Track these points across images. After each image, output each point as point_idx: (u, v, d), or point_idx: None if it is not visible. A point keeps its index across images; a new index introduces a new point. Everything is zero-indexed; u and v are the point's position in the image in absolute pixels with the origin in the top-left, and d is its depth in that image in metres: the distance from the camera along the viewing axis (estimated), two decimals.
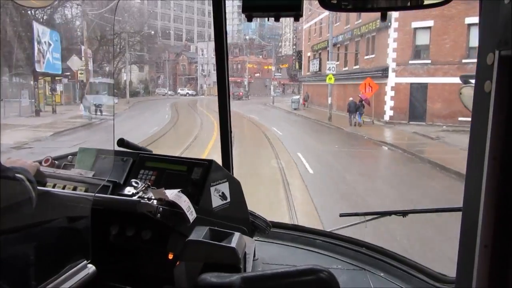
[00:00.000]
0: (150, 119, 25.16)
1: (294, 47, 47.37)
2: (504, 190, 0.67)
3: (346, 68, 29.81)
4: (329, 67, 24.67)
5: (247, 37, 66.21)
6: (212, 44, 64.70)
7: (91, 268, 1.33)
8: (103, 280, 1.41)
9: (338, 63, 29.39)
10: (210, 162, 1.68)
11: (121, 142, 1.85)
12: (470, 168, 0.72)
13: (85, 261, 1.32)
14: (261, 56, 65.22)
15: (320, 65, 35.18)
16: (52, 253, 1.26)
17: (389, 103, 22.93)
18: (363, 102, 23.43)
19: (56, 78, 29.31)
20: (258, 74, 63.43)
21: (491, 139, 0.66)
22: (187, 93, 61.19)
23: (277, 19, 1.09)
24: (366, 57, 26.64)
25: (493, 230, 0.68)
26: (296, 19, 1.09)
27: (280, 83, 61.77)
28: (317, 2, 0.99)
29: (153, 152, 1.90)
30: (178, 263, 1.44)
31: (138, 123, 22.85)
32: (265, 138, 16.89)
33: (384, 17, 1.05)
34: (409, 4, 1.04)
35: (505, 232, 0.68)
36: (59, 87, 34.96)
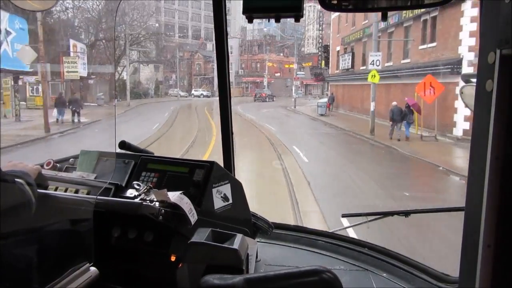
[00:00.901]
0: (133, 130, 18.63)
1: (320, 40, 39.91)
2: (507, 190, 0.65)
3: (390, 63, 22.38)
4: (372, 61, 17.45)
5: (265, 29, 58.88)
6: (229, 42, 59.36)
7: (93, 270, 1.30)
8: (105, 282, 1.39)
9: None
10: (212, 163, 1.64)
11: (123, 144, 1.79)
12: (473, 167, 0.70)
13: (88, 264, 1.30)
14: (281, 54, 58.05)
15: (352, 61, 27.89)
16: (55, 256, 1.25)
17: (462, 111, 15.45)
18: (411, 107, 16.35)
19: (20, 76, 23.31)
20: (278, 74, 56.44)
21: (493, 138, 0.65)
22: (202, 94, 54.69)
23: (277, 20, 1.07)
24: (422, 47, 19.16)
25: (496, 230, 0.66)
26: (297, 20, 1.07)
27: (303, 83, 54.47)
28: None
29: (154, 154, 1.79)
30: (180, 265, 1.43)
31: (112, 135, 16.23)
32: (281, 175, 9.86)
33: (384, 17, 1.02)
34: (409, 3, 1.02)
35: (508, 232, 0.66)
36: (41, 88, 29.13)
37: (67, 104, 22.98)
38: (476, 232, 0.67)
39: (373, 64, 17.30)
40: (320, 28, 40.49)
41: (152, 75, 52.56)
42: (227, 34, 1.92)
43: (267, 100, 44.49)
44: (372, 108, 17.37)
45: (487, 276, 0.67)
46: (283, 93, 52.30)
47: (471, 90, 1.56)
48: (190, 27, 70.76)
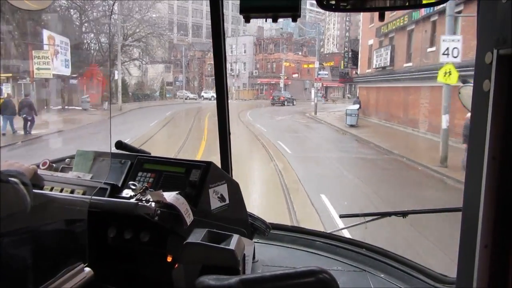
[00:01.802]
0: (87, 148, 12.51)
1: (347, 34, 33.06)
2: (504, 190, 0.65)
3: None
4: (446, 50, 10.75)
5: (281, 21, 52.06)
6: (243, 39, 52.82)
7: (88, 271, 1.28)
8: (102, 283, 1.36)
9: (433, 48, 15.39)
10: (209, 164, 1.60)
11: (119, 144, 1.75)
12: (470, 168, 0.69)
13: (82, 264, 1.27)
14: (300, 53, 51.28)
15: (392, 56, 21.09)
16: (49, 256, 1.22)
17: None
18: None
19: None
20: (296, 75, 49.70)
21: (490, 138, 0.64)
22: (212, 96, 48.80)
23: (275, 20, 1.05)
24: None
25: (493, 230, 0.65)
26: (294, 19, 1.05)
27: (323, 85, 47.59)
28: None
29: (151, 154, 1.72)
30: (176, 265, 1.40)
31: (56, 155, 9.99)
32: None
33: (382, 17, 0.99)
34: (407, 3, 1.01)
35: (505, 232, 0.65)
36: (5, 89, 23.35)
37: (19, 110, 17.21)
38: (473, 232, 0.66)
39: (448, 54, 10.64)
40: (347, 19, 33.63)
41: (158, 75, 46.80)
42: (224, 34, 1.89)
43: (285, 104, 37.98)
44: (445, 125, 10.66)
45: (484, 277, 0.65)
46: (301, 96, 45.53)
47: (468, 90, 1.54)
48: (205, 25, 65.46)
